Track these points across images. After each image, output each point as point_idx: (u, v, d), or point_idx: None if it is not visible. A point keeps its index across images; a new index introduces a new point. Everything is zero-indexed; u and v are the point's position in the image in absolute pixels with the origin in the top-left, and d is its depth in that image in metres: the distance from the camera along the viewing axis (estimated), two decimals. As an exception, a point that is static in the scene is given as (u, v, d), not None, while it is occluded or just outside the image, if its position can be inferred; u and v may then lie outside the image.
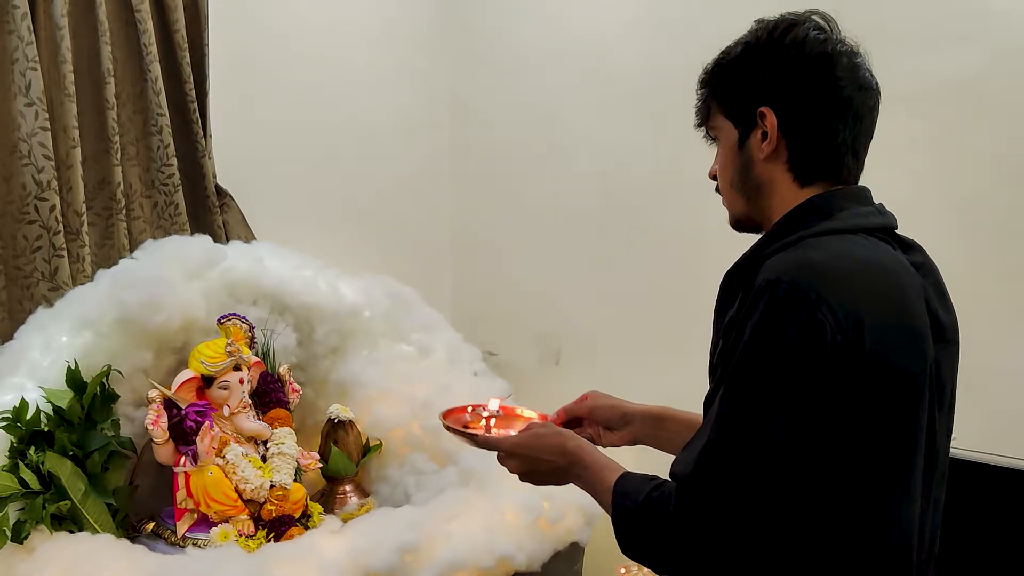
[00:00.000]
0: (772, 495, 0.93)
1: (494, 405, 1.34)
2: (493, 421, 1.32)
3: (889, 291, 0.95)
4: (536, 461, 1.17)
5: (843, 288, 0.91)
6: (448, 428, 1.29)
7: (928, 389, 0.98)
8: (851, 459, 0.93)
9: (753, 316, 0.93)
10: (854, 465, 0.93)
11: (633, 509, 1.01)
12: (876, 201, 1.07)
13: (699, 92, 1.12)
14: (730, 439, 0.94)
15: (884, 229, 1.03)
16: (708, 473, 0.94)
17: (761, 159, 1.04)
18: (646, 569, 2.07)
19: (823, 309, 0.90)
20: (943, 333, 1.03)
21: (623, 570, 2.10)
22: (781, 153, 1.03)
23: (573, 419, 1.34)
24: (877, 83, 1.06)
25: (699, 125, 1.14)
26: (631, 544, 1.02)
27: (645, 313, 2.42)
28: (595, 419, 1.33)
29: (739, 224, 1.12)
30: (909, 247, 1.07)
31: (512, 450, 1.19)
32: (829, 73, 1.01)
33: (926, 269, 1.05)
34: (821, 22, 1.04)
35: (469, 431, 1.29)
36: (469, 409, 1.35)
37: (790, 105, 1.01)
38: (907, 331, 0.95)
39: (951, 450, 1.59)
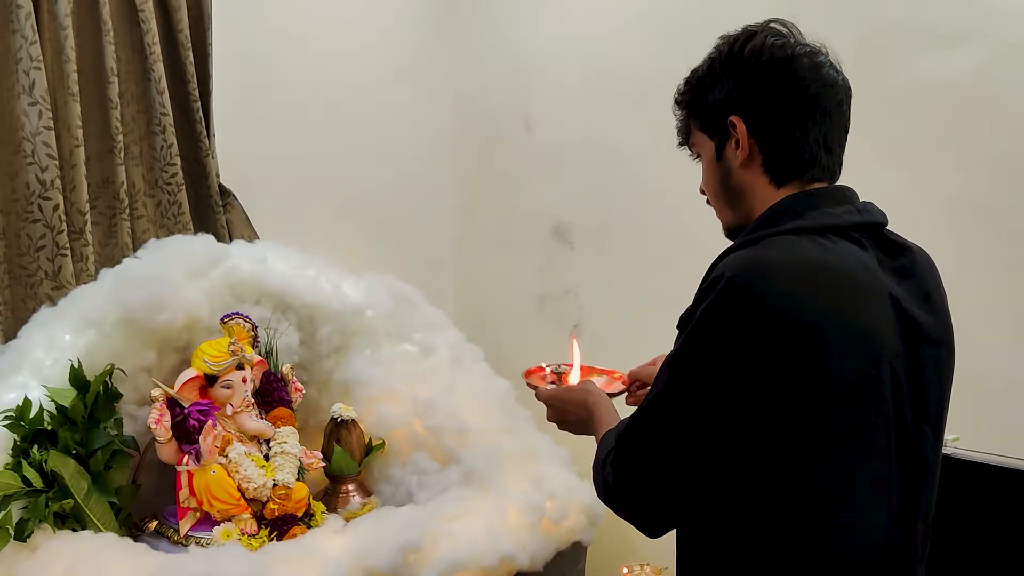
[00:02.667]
0: (684, 471, 0.99)
1: (574, 371, 1.47)
2: (561, 378, 1.46)
3: (837, 293, 0.96)
4: (565, 412, 1.31)
5: (783, 286, 0.93)
6: (529, 385, 1.43)
7: (891, 393, 0.98)
8: (778, 458, 0.95)
9: (697, 308, 0.98)
10: (781, 462, 0.95)
11: (600, 459, 1.10)
12: (864, 199, 1.08)
13: (676, 112, 1.16)
14: (651, 413, 1.01)
15: (861, 227, 1.04)
16: (629, 438, 1.03)
17: (737, 166, 1.08)
18: (648, 568, 2.07)
19: (757, 304, 0.92)
20: (923, 335, 1.03)
21: (626, 570, 2.09)
22: (755, 158, 1.06)
23: (640, 380, 1.44)
24: (844, 79, 1.08)
25: (681, 144, 1.18)
26: (596, 489, 1.11)
27: (644, 313, 2.41)
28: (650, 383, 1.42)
29: (731, 233, 1.14)
30: (900, 248, 1.07)
31: (547, 401, 1.34)
32: (791, 75, 1.03)
33: (907, 271, 1.06)
34: (779, 28, 1.07)
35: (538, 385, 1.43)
36: (547, 370, 1.49)
37: (757, 110, 1.05)
38: (852, 334, 0.95)
39: (955, 450, 1.59)
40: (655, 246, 2.39)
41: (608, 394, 1.39)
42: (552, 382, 1.44)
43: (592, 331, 2.55)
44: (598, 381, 1.46)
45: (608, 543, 2.15)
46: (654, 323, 2.43)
